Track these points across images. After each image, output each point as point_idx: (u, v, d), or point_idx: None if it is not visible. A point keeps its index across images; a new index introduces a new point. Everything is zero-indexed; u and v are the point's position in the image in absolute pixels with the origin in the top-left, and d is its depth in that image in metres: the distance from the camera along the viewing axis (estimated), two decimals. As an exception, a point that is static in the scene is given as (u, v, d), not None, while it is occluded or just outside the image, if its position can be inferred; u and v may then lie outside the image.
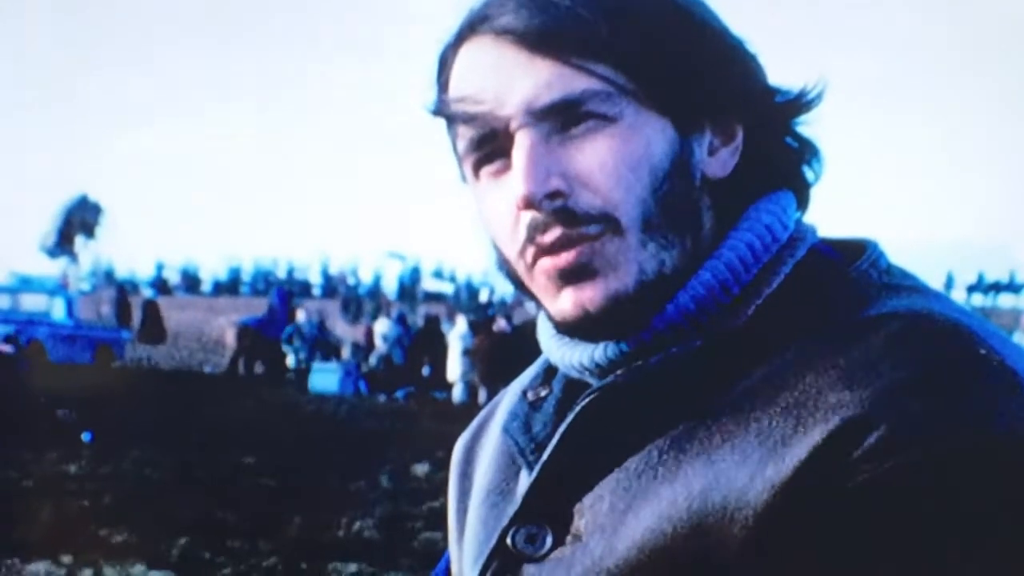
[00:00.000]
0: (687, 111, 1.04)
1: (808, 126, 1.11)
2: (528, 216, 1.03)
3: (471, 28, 1.06)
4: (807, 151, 1.11)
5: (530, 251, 1.04)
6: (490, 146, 1.05)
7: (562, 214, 1.02)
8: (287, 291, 33.25)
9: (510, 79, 1.03)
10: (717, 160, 1.07)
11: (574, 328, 1.06)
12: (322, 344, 26.54)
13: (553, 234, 1.02)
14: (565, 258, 1.03)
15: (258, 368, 26.22)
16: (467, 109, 1.05)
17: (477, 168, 1.07)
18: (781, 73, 1.10)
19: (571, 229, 1.02)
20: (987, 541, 0.87)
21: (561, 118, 1.02)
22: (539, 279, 1.05)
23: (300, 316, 26.08)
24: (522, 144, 1.02)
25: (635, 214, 1.02)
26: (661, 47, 1.03)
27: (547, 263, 1.04)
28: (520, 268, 1.06)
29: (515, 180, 1.02)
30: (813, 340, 0.98)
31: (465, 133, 1.06)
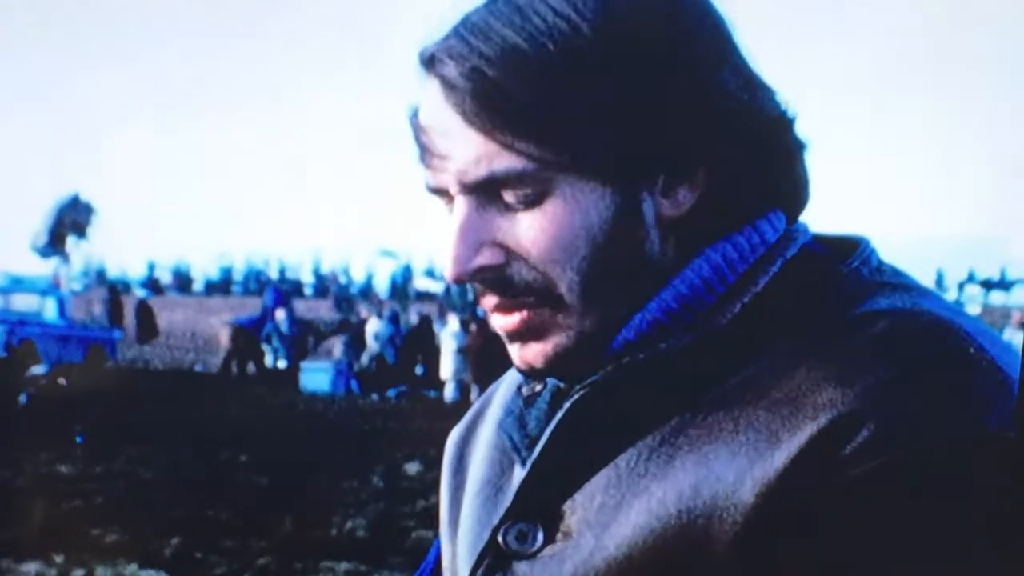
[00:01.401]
0: (628, 170, 1.01)
1: (795, 128, 1.06)
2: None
3: (425, 66, 1.04)
4: (791, 157, 1.07)
5: (481, 303, 1.06)
6: (445, 198, 1.06)
7: (497, 285, 1.03)
8: (281, 290, 33.13)
9: (449, 145, 1.02)
10: (674, 201, 1.03)
11: (528, 377, 1.10)
12: (303, 340, 26.42)
13: (491, 301, 1.04)
14: (510, 321, 1.04)
15: (251, 368, 26.15)
16: (422, 156, 1.05)
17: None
18: (772, 68, 1.07)
19: (508, 298, 1.03)
20: (974, 538, 0.87)
21: (492, 192, 1.01)
22: (496, 328, 1.07)
23: (279, 315, 25.82)
24: (456, 214, 1.03)
25: (574, 286, 1.02)
26: (594, 116, 0.99)
27: (496, 321, 1.06)
28: (485, 312, 1.08)
29: (446, 253, 1.03)
30: (803, 337, 0.98)
31: (424, 179, 1.06)
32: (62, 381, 17.80)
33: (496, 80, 0.99)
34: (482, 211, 1.02)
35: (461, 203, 1.02)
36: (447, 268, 1.02)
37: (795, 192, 1.09)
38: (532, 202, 1.00)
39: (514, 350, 1.07)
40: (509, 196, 1.01)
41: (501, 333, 1.06)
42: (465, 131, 1.00)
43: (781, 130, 1.06)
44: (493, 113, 0.99)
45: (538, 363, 1.05)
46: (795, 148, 1.07)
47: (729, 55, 1.04)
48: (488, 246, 1.02)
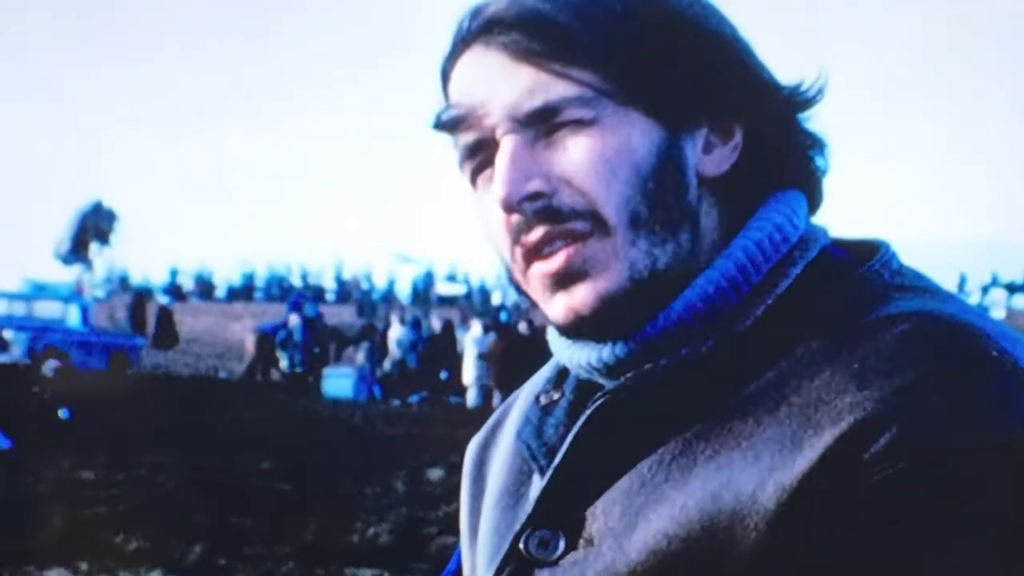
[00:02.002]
0: (673, 110, 1.04)
1: (814, 121, 1.10)
2: (513, 218, 1.04)
3: (462, 41, 1.07)
4: (814, 148, 1.11)
5: (519, 252, 1.05)
6: (482, 154, 1.07)
7: (545, 213, 1.03)
8: (301, 296, 33.19)
9: (495, 87, 1.05)
10: (713, 158, 1.07)
11: (570, 331, 1.07)
12: (324, 345, 26.34)
13: (537, 233, 1.04)
14: (555, 263, 1.04)
15: (275, 375, 26.20)
16: (458, 119, 1.07)
17: (474, 177, 1.09)
18: (785, 71, 1.10)
19: (555, 226, 1.03)
20: (1000, 542, 0.87)
21: (544, 124, 1.03)
22: (534, 284, 1.06)
23: (292, 320, 25.68)
24: (505, 149, 1.04)
25: (621, 210, 1.02)
26: (642, 49, 1.04)
27: (539, 269, 1.05)
28: (517, 273, 1.08)
29: (495, 184, 1.04)
30: (823, 341, 0.98)
31: (459, 142, 1.08)
32: (55, 363, 18.00)
33: (546, 10, 1.03)
34: (530, 147, 1.04)
35: (509, 141, 1.04)
36: (499, 194, 1.03)
37: (816, 181, 1.12)
38: (580, 129, 1.03)
39: (558, 302, 1.05)
40: (561, 119, 1.03)
41: (547, 284, 1.05)
42: (514, 69, 1.04)
43: (804, 117, 1.10)
44: (546, 40, 1.03)
45: (586, 308, 1.04)
46: (817, 138, 1.11)
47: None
48: (537, 176, 1.03)
